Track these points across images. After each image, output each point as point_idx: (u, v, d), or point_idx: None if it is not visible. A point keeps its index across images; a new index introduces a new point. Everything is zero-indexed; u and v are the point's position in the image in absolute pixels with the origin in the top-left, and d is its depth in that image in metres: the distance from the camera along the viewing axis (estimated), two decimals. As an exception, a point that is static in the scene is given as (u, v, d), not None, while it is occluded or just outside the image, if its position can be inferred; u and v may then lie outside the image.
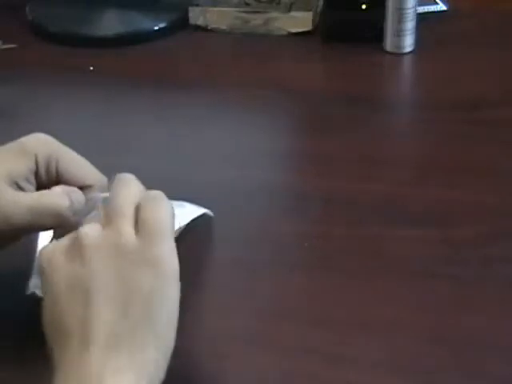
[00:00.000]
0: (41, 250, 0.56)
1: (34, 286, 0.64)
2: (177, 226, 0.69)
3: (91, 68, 0.99)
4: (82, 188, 0.63)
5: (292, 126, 0.92)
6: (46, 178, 0.63)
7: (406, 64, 1.00)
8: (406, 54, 0.99)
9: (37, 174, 0.63)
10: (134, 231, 0.55)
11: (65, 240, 0.56)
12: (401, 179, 0.80)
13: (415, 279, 0.69)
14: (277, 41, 1.05)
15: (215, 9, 1.07)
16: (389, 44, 1.00)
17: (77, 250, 0.54)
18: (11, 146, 0.63)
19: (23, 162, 0.62)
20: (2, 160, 0.62)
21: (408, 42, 0.99)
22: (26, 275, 0.65)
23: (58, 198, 0.61)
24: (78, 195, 0.62)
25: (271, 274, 0.70)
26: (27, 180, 0.62)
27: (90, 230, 0.55)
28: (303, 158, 0.85)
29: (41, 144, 0.63)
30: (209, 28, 1.07)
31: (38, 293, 0.62)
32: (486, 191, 0.78)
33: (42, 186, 0.63)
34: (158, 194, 0.57)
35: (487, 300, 0.66)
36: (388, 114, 0.92)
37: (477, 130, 0.86)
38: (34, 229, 0.63)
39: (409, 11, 0.97)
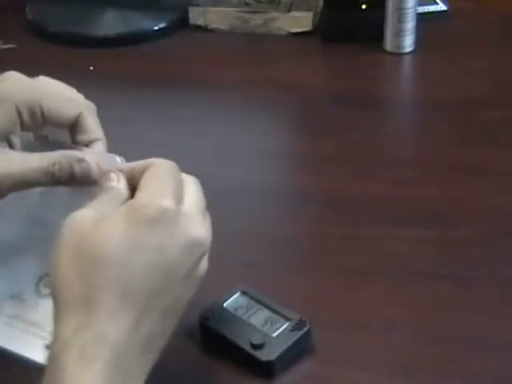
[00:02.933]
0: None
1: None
2: None
3: (91, 68, 0.99)
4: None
5: (292, 125, 0.92)
6: (32, 125, 0.61)
7: (406, 64, 1.00)
8: (406, 53, 0.99)
9: (22, 125, 0.60)
10: None
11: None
12: (401, 179, 0.80)
13: (415, 279, 0.69)
14: (277, 41, 1.04)
15: (215, 9, 1.07)
16: (389, 44, 1.00)
17: None
18: None
19: (5, 116, 0.59)
20: None
21: (408, 42, 0.99)
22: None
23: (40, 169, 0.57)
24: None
25: (271, 274, 0.70)
26: (13, 133, 0.60)
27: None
28: (303, 157, 0.85)
29: (18, 89, 0.61)
30: (209, 28, 1.07)
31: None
32: (486, 191, 0.78)
33: (28, 130, 0.61)
34: None
35: (487, 300, 0.66)
36: (388, 113, 0.92)
37: (477, 129, 0.86)
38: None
39: (409, 11, 0.97)
